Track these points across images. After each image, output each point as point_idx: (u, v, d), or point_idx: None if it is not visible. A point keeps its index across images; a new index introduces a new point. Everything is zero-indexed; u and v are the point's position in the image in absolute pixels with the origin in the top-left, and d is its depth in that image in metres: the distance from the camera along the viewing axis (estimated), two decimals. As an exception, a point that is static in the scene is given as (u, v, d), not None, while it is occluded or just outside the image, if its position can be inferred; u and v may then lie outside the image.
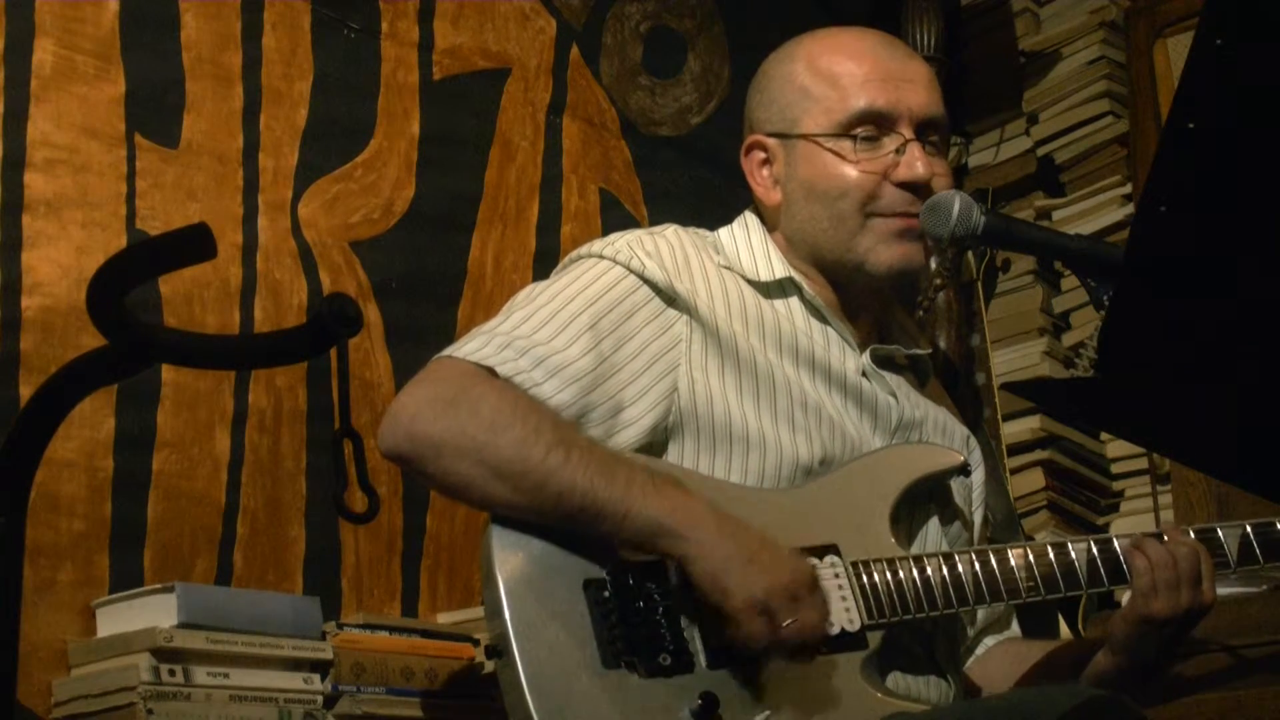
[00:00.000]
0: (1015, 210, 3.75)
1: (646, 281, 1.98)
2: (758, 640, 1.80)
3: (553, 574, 1.82)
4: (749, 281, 2.07)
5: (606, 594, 1.82)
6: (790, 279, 2.08)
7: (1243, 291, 1.28)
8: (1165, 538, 1.96)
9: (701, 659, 1.82)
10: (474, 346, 1.90)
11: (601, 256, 2.01)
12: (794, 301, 2.08)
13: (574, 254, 2.06)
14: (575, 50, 3.28)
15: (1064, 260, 2.10)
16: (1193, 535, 1.99)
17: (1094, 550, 1.97)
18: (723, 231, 2.14)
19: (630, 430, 1.93)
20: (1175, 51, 3.56)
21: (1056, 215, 3.71)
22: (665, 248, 2.02)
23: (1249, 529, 2.04)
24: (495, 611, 1.79)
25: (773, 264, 2.08)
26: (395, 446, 1.85)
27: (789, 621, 1.79)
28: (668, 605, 1.83)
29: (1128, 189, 3.61)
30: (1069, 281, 3.69)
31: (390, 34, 3.00)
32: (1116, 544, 1.98)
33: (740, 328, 2.00)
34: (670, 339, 1.97)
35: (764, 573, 1.79)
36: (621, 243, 2.01)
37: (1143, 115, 3.58)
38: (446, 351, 1.92)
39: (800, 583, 1.81)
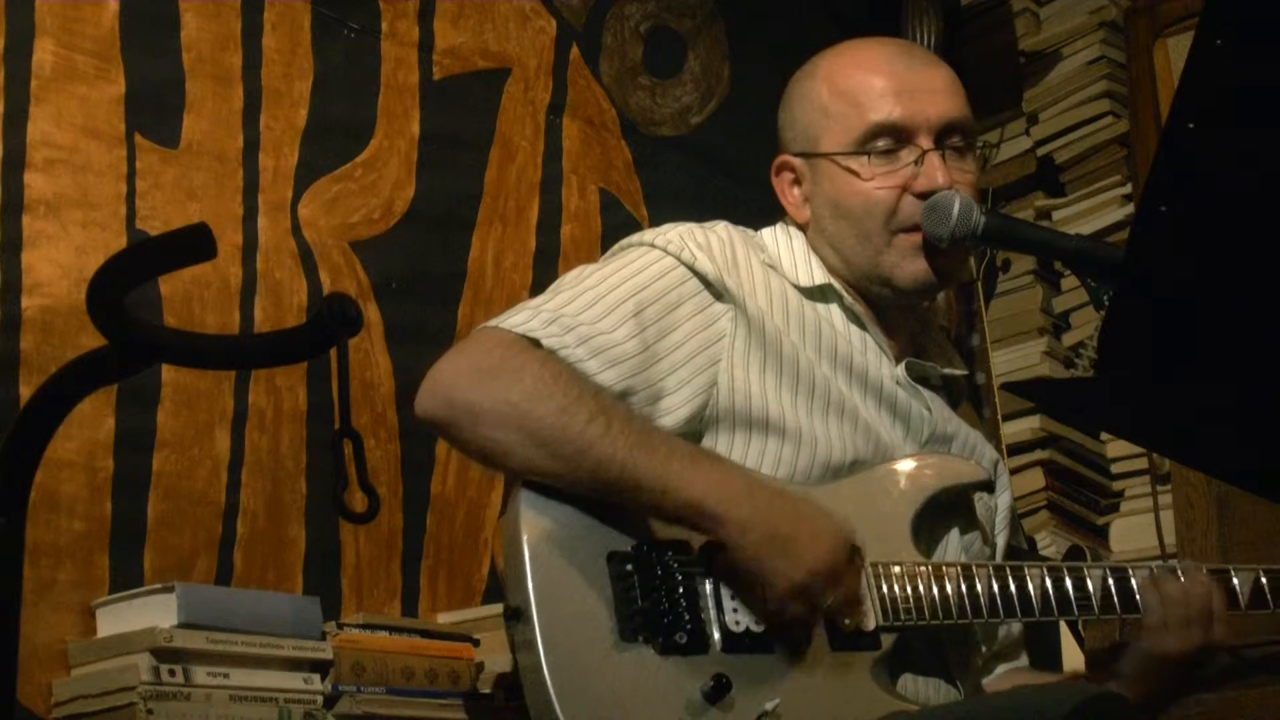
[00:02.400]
0: (1015, 210, 3.75)
1: (696, 274, 1.99)
2: (801, 621, 1.84)
3: (578, 542, 1.83)
4: (791, 283, 2.08)
5: (629, 568, 1.83)
6: (831, 286, 2.08)
7: (1243, 291, 1.28)
8: (1181, 575, 1.98)
9: (717, 641, 1.83)
10: (519, 319, 1.90)
11: (653, 246, 2.01)
12: (834, 307, 2.09)
13: (624, 241, 2.07)
14: (575, 50, 3.28)
15: (1064, 260, 2.11)
16: (1205, 573, 2.00)
17: (1109, 579, 1.99)
18: (765, 232, 2.15)
19: (668, 419, 1.93)
20: (1175, 51, 3.56)
21: (1056, 215, 3.71)
22: (716, 242, 2.03)
23: (1262, 575, 2.06)
24: (517, 574, 1.80)
25: (813, 271, 2.09)
26: (432, 411, 1.86)
27: (830, 600, 1.83)
28: (688, 585, 1.84)
29: (1128, 189, 3.61)
30: (1069, 281, 3.69)
31: (390, 34, 3.00)
32: (1132, 576, 1.99)
33: (783, 325, 2.01)
34: (715, 333, 1.98)
35: (802, 557, 1.81)
36: (674, 234, 2.02)
37: (1143, 115, 3.58)
38: (491, 323, 1.93)
39: (839, 560, 1.84)
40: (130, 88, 2.64)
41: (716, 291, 1.99)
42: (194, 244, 1.49)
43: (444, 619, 2.73)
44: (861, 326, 2.09)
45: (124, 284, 1.53)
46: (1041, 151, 3.80)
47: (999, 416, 3.61)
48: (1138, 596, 1.98)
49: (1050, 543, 3.48)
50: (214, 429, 2.63)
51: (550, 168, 3.19)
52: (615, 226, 3.15)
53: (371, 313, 2.85)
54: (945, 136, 2.06)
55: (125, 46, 2.65)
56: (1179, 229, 1.25)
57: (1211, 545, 3.21)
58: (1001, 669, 2.19)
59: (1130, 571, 2.00)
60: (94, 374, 1.63)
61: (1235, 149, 1.23)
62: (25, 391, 2.40)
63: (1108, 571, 2.00)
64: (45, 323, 2.46)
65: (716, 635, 1.83)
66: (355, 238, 2.88)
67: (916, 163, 2.04)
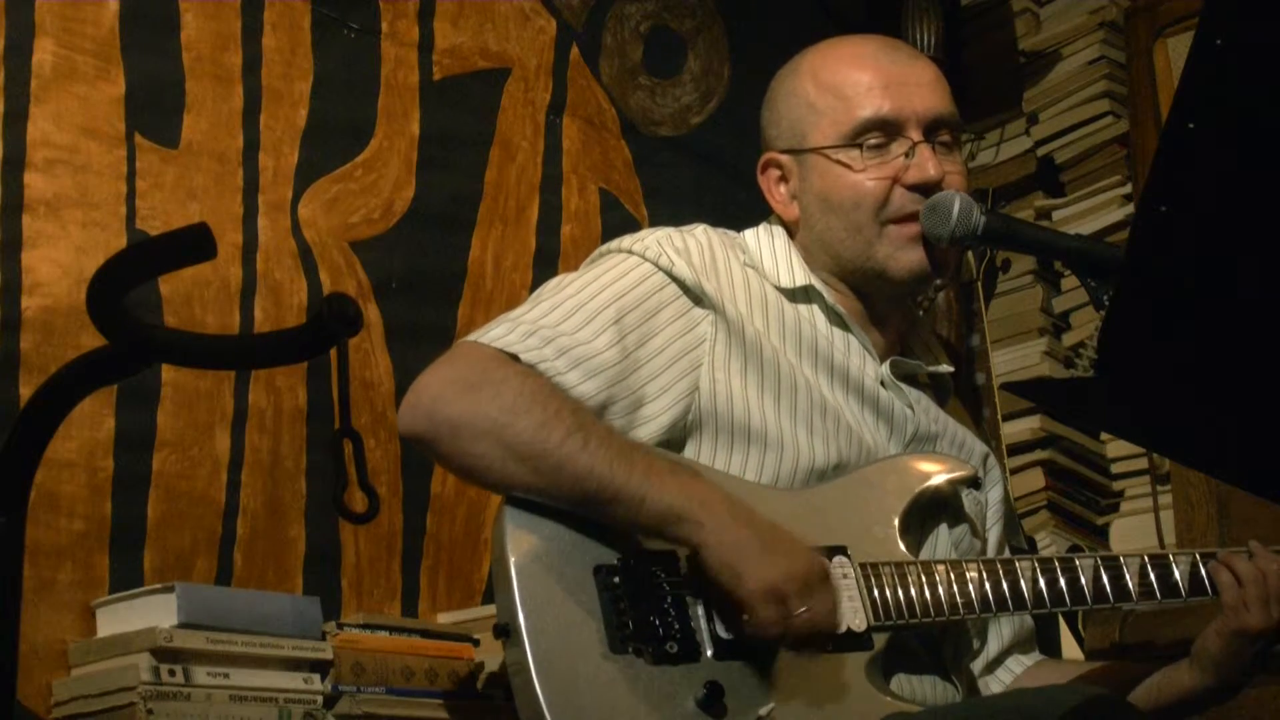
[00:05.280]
0: (1015, 210, 3.75)
1: (675, 279, 1.99)
2: (769, 627, 1.81)
3: (564, 556, 1.83)
4: (772, 284, 2.08)
5: (617, 580, 1.83)
6: (812, 286, 2.08)
7: (1243, 291, 1.28)
8: (1252, 554, 1.98)
9: (708, 649, 1.83)
10: (499, 333, 1.91)
11: (631, 252, 2.02)
12: (816, 308, 2.09)
13: (604, 248, 2.07)
14: (575, 50, 3.28)
15: (1064, 260, 2.10)
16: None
17: (1100, 567, 1.98)
18: (748, 233, 2.15)
19: (650, 425, 1.94)
20: (1175, 51, 3.56)
21: (1056, 215, 3.70)
22: (694, 246, 2.03)
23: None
24: (505, 590, 1.81)
25: (794, 272, 2.09)
26: (414, 426, 1.87)
27: (801, 610, 1.80)
28: (677, 594, 1.84)
29: (1128, 189, 3.61)
30: (1069, 281, 3.69)
31: (390, 34, 3.00)
32: (1123, 561, 1.99)
33: (763, 327, 2.02)
34: (694, 338, 1.98)
35: (778, 560, 1.81)
36: (651, 239, 2.02)
37: (1143, 115, 3.58)
38: (471, 336, 1.94)
39: (814, 573, 1.83)
40: (130, 88, 2.64)
41: (695, 296, 1.99)
42: (194, 244, 1.48)
43: (444, 619, 2.74)
44: (844, 327, 2.09)
45: (124, 284, 1.53)
46: (1041, 151, 3.80)
47: (999, 416, 3.61)
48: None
49: (1050, 543, 3.48)
50: (214, 429, 2.63)
51: (550, 168, 3.19)
52: (615, 226, 3.15)
53: (371, 313, 2.85)
54: (934, 130, 2.07)
55: (125, 46, 2.65)
56: (1179, 229, 1.25)
57: (1211, 545, 3.21)
58: (1026, 661, 2.18)
59: (1122, 562, 2.00)
60: (94, 374, 1.63)
61: (1235, 149, 1.23)
62: (25, 391, 2.40)
63: (1099, 561, 2.00)
64: (45, 323, 2.46)
65: (707, 643, 1.83)
66: (355, 238, 2.88)
67: (907, 155, 2.04)
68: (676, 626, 1.82)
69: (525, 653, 1.76)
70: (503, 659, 2.34)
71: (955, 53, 3.76)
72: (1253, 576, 1.95)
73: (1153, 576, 1.98)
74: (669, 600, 1.83)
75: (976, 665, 2.15)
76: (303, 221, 2.82)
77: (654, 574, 1.85)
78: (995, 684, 2.15)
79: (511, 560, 1.81)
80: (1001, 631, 2.16)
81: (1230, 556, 1.98)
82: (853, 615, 1.89)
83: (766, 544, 1.81)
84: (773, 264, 2.09)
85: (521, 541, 1.83)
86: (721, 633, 1.84)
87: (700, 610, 1.85)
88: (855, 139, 2.05)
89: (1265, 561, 1.97)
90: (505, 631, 1.80)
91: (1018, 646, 2.18)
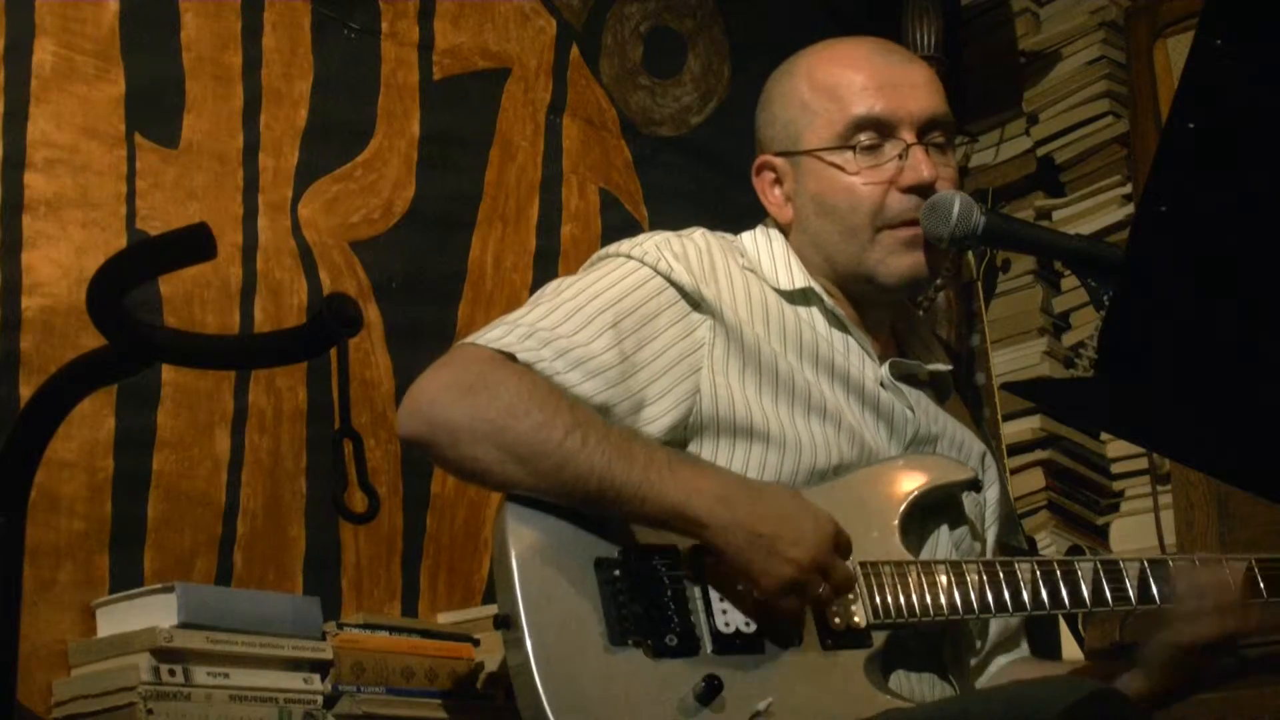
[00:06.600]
0: (1015, 210, 3.75)
1: (673, 284, 1.99)
2: (794, 613, 1.86)
3: (565, 550, 1.84)
4: (771, 287, 2.08)
5: (617, 573, 1.84)
6: (811, 289, 2.08)
7: (1243, 291, 1.28)
8: (1208, 565, 1.99)
9: (708, 643, 1.84)
10: (497, 334, 1.91)
11: (629, 257, 2.02)
12: (815, 310, 2.09)
13: (602, 252, 2.07)
14: (575, 50, 3.28)
15: (1064, 260, 2.10)
16: (1233, 563, 2.01)
17: (1100, 570, 1.98)
18: (745, 236, 2.15)
19: (651, 428, 1.94)
20: (1175, 51, 3.56)
21: (1056, 215, 3.71)
22: (693, 250, 2.03)
23: (1254, 563, 2.05)
24: (506, 582, 1.81)
25: (793, 274, 2.09)
26: (413, 431, 1.88)
27: (821, 590, 1.85)
28: (676, 588, 1.85)
29: (1128, 189, 3.61)
30: (1069, 281, 3.69)
31: (390, 34, 3.00)
32: (1122, 565, 2.00)
33: (763, 331, 2.02)
34: (693, 342, 1.98)
35: (788, 554, 1.82)
36: (650, 244, 2.02)
37: (1143, 115, 3.58)
38: (469, 339, 1.94)
39: (824, 550, 1.85)
40: (130, 88, 2.64)
41: (694, 301, 1.99)
42: (194, 244, 1.49)
43: (444, 619, 2.74)
44: (843, 329, 2.09)
45: (124, 284, 1.53)
46: (1041, 151, 3.80)
47: (999, 416, 3.61)
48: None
49: (1050, 543, 3.49)
50: (214, 429, 2.63)
51: (550, 168, 3.19)
52: (615, 226, 3.15)
53: (371, 313, 2.85)
54: (927, 131, 2.07)
55: (125, 46, 2.65)
56: (1179, 229, 1.25)
57: (1212, 545, 3.21)
58: (1003, 660, 2.19)
59: (1121, 565, 2.00)
60: (94, 374, 1.63)
61: (1235, 149, 1.23)
62: (25, 391, 2.40)
63: (1099, 565, 2.00)
64: (45, 323, 2.46)
65: (707, 637, 1.84)
66: (355, 238, 2.88)
67: (901, 157, 2.04)
68: (676, 620, 1.83)
69: (525, 646, 1.77)
70: (502, 659, 2.35)
71: (955, 53, 3.76)
72: (1211, 585, 1.96)
73: (1153, 583, 1.99)
74: (669, 594, 1.84)
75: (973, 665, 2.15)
76: (303, 221, 2.82)
77: (654, 568, 1.85)
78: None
79: (513, 554, 1.82)
80: (989, 632, 2.17)
81: (1189, 564, 1.99)
82: (852, 612, 1.90)
83: (774, 537, 1.82)
84: (771, 266, 2.09)
85: (523, 535, 1.83)
86: (721, 627, 1.85)
87: (700, 604, 1.86)
88: (849, 139, 2.05)
89: (1223, 571, 1.97)
90: (506, 623, 1.81)
91: (1000, 647, 2.19)
